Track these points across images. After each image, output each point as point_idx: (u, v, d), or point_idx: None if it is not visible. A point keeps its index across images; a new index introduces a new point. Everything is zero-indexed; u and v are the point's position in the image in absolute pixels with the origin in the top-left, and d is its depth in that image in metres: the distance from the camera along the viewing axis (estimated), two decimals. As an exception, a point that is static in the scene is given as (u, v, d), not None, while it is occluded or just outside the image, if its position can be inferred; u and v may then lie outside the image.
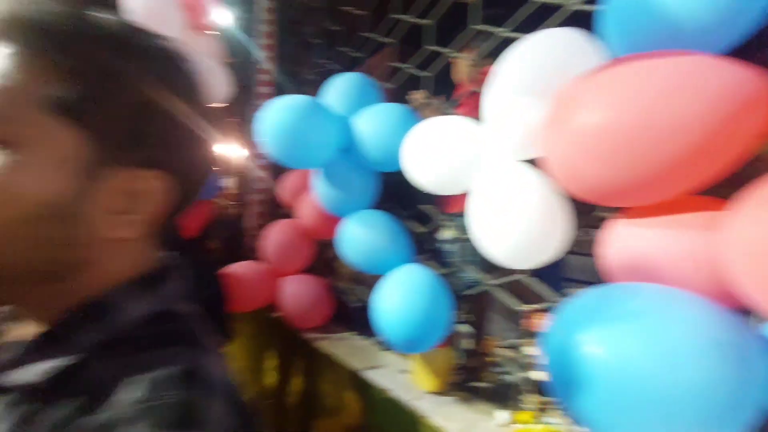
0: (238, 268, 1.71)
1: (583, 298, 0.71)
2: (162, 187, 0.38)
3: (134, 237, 0.38)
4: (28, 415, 0.34)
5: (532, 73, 0.81)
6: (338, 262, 1.78)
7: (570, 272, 1.46)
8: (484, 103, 0.92)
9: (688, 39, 0.63)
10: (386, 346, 1.48)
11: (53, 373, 0.35)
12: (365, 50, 1.73)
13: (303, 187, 1.73)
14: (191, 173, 0.41)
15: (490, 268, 1.21)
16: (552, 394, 0.70)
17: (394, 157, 1.21)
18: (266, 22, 2.27)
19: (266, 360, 1.86)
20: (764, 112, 0.58)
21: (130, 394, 0.33)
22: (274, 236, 1.79)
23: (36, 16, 0.34)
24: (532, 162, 0.87)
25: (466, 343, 1.32)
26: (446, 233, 1.37)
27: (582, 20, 0.81)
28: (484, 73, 1.27)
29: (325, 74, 1.61)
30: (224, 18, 2.00)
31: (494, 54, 1.14)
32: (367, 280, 1.59)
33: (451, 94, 1.41)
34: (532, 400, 1.08)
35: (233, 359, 1.71)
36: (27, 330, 0.39)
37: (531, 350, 1.11)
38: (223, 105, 1.69)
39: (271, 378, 1.84)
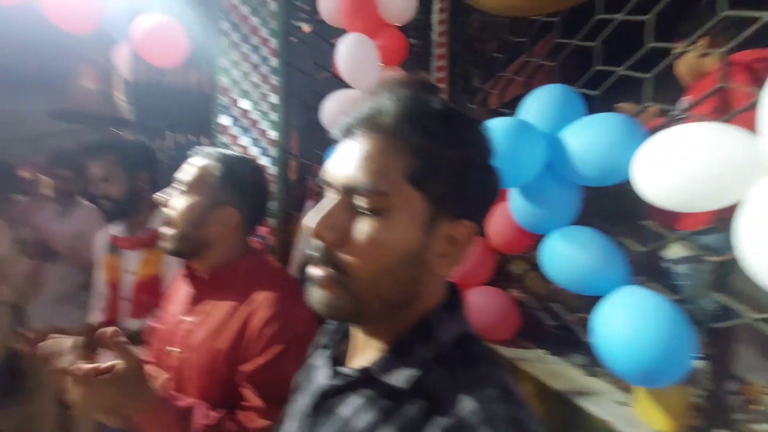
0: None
1: None
2: (472, 232, 0.46)
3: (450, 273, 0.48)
4: (389, 410, 0.43)
5: None
6: (530, 276, 1.74)
7: None
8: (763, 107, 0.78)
9: None
10: (593, 371, 1.37)
11: (412, 380, 0.43)
12: (553, 58, 1.66)
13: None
14: (484, 219, 0.49)
15: (739, 295, 1.02)
16: None
17: (611, 171, 1.13)
18: (439, 46, 2.38)
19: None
20: None
21: (465, 405, 0.40)
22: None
23: (392, 109, 0.44)
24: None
25: (708, 382, 1.14)
26: (674, 252, 1.21)
27: None
28: (727, 66, 1.09)
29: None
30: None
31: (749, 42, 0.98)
32: (566, 299, 1.51)
33: (674, 97, 1.25)
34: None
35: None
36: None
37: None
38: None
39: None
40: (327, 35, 2.29)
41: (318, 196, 2.43)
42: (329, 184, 0.45)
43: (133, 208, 1.41)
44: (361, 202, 0.42)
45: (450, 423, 0.39)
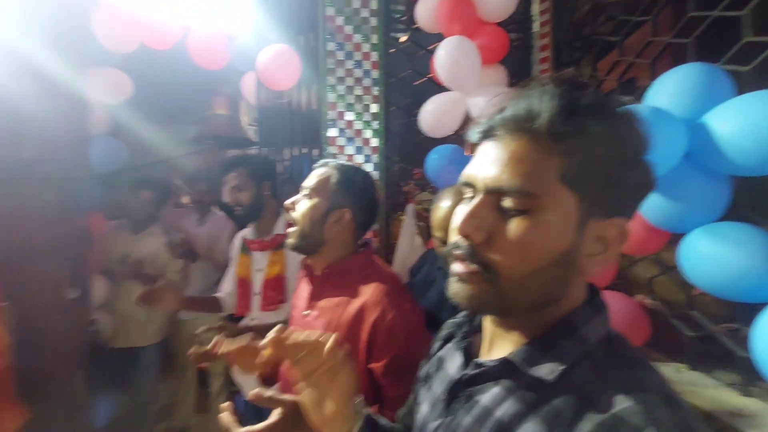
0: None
1: None
2: (624, 231, 0.44)
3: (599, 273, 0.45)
4: (534, 402, 0.42)
5: None
6: (659, 281, 1.55)
7: None
8: None
9: None
10: (748, 390, 1.17)
11: (557, 374, 0.41)
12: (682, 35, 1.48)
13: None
14: (634, 215, 0.46)
15: None
16: None
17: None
18: (541, 37, 2.27)
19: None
20: None
21: (624, 405, 0.37)
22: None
23: (543, 109, 0.42)
24: None
25: None
26: None
27: None
28: None
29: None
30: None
31: None
32: (707, 306, 1.32)
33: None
34: None
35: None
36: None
37: None
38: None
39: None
40: (424, 42, 2.35)
41: (415, 199, 2.49)
42: (472, 186, 0.45)
43: (260, 212, 1.60)
44: (509, 203, 0.42)
45: (604, 418, 0.37)
